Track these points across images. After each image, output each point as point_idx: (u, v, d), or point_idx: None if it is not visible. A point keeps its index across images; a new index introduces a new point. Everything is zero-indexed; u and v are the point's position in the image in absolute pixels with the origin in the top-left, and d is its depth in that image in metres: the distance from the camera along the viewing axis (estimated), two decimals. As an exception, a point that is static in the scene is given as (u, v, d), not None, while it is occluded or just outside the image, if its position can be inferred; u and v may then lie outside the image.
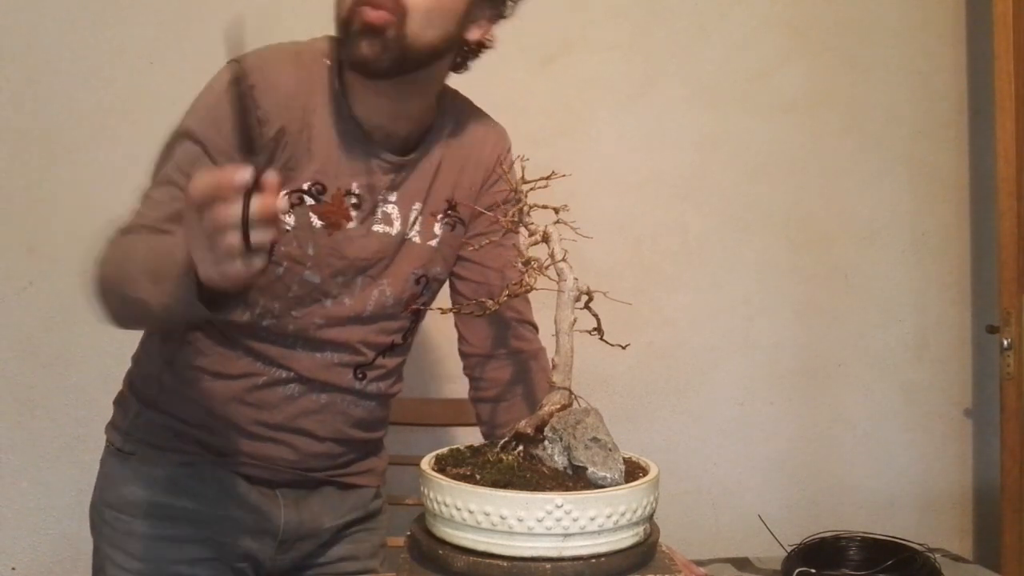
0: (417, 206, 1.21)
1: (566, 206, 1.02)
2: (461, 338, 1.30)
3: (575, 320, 0.98)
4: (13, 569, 1.95)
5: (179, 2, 1.97)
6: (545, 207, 1.03)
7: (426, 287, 1.26)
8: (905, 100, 2.29)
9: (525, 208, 1.01)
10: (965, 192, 2.33)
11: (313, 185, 1.13)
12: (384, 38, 1.06)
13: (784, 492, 2.27)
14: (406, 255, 1.22)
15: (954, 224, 2.33)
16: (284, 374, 1.20)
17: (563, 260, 0.99)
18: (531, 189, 1.02)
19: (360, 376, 1.25)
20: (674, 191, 2.20)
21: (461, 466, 0.93)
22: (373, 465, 1.36)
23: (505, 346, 1.27)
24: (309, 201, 1.13)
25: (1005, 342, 2.05)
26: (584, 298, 0.99)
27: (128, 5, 1.94)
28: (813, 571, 1.41)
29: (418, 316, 1.29)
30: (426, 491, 0.91)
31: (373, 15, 1.05)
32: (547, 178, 1.01)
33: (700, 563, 1.38)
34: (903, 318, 2.31)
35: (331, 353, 1.21)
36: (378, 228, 1.19)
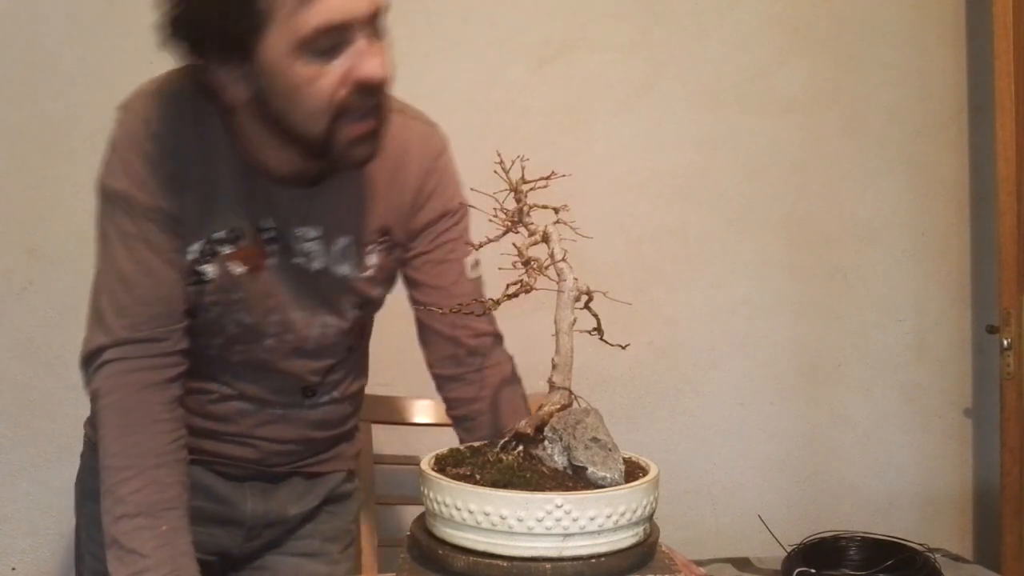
0: (343, 240, 1.16)
1: (566, 206, 1.02)
2: (426, 359, 1.27)
3: (575, 320, 0.98)
4: (13, 569, 1.95)
5: (179, 2, 1.96)
6: (545, 207, 1.02)
7: (369, 308, 1.25)
8: (905, 100, 2.29)
9: (525, 208, 1.01)
10: (965, 192, 2.33)
11: (229, 232, 1.11)
12: (376, 136, 1.05)
13: (784, 492, 2.27)
14: (342, 289, 1.19)
15: (954, 224, 2.33)
16: (234, 393, 1.22)
17: (563, 260, 0.99)
18: (531, 189, 1.02)
19: (309, 394, 1.25)
20: (674, 191, 2.20)
21: (461, 466, 0.93)
22: (341, 451, 1.37)
23: (464, 365, 1.23)
24: (225, 249, 1.11)
25: (1005, 342, 2.05)
26: (584, 298, 0.98)
27: (128, 5, 1.94)
28: (813, 571, 1.41)
29: (363, 331, 1.29)
30: (426, 491, 0.91)
31: (366, 127, 1.03)
32: (547, 178, 1.01)
33: (700, 563, 1.38)
34: (903, 318, 2.31)
35: (278, 379, 1.22)
36: (299, 261, 1.15)
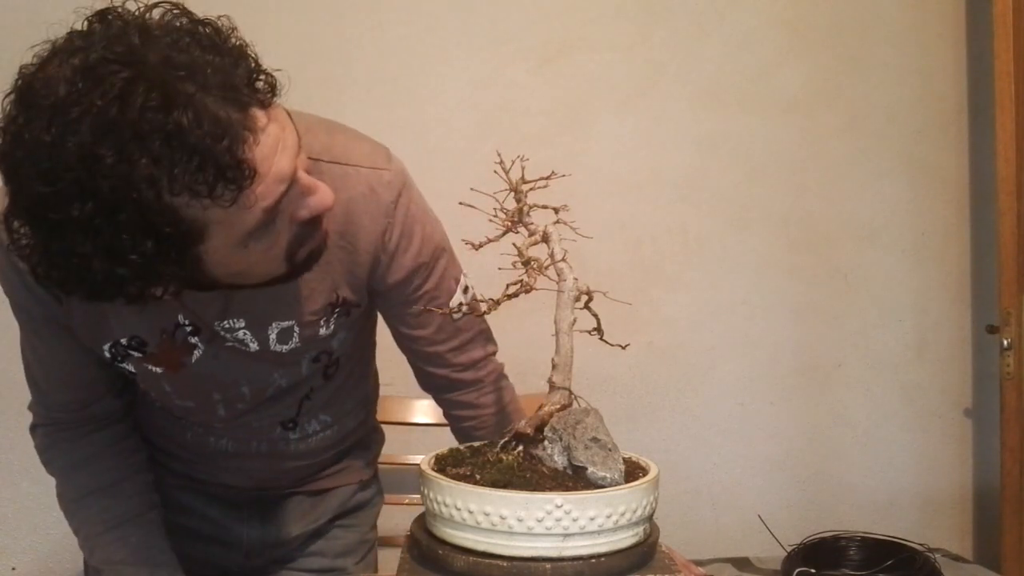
0: (280, 325, 1.03)
1: (566, 206, 1.02)
2: (417, 378, 1.22)
3: (575, 320, 0.98)
4: (13, 569, 1.95)
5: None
6: (545, 207, 1.02)
7: (330, 356, 1.12)
8: (905, 100, 2.29)
9: (525, 208, 1.01)
10: (965, 192, 2.33)
11: (131, 339, 1.01)
12: (324, 244, 0.93)
13: (784, 492, 2.27)
14: (291, 355, 1.07)
15: (954, 224, 2.33)
16: (211, 437, 1.17)
17: (563, 260, 0.98)
18: (531, 189, 1.01)
19: (290, 427, 1.17)
20: (674, 191, 2.20)
21: (461, 466, 0.93)
22: (351, 463, 1.30)
23: (456, 389, 1.18)
24: (134, 353, 1.02)
25: (1005, 342, 2.05)
26: (584, 298, 0.98)
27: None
28: (813, 571, 1.41)
29: (338, 364, 1.15)
30: (426, 491, 0.91)
31: (319, 235, 0.91)
32: (547, 178, 1.01)
33: (700, 563, 1.38)
34: (903, 318, 2.31)
35: (249, 427, 1.15)
36: (232, 345, 1.03)
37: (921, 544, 1.47)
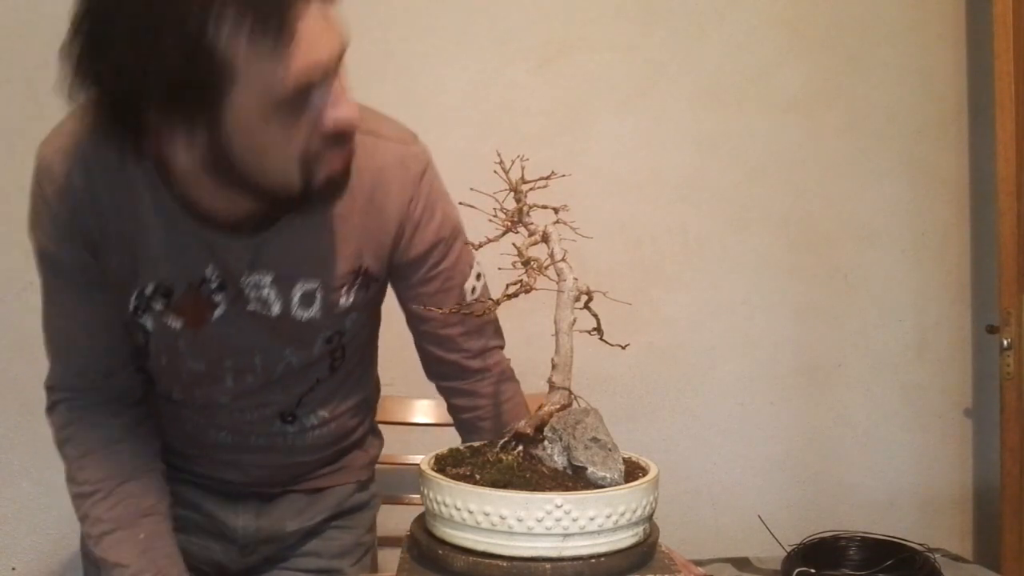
0: (307, 286, 1.06)
1: (566, 206, 1.02)
2: (425, 370, 1.23)
3: (575, 320, 0.98)
4: (13, 569, 1.95)
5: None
6: (545, 207, 1.02)
7: (341, 338, 1.14)
8: (905, 100, 2.29)
9: (525, 208, 1.01)
10: (965, 192, 2.33)
11: (157, 287, 1.02)
12: (346, 174, 0.96)
13: (784, 492, 2.27)
14: (308, 326, 1.09)
15: (954, 224, 2.33)
16: (210, 425, 1.17)
17: (563, 260, 0.98)
18: (531, 189, 1.01)
19: (288, 419, 1.18)
20: (674, 191, 2.20)
21: (461, 466, 0.93)
22: (348, 463, 1.30)
23: (463, 378, 1.19)
24: (157, 304, 1.03)
25: (1005, 342, 2.05)
26: (584, 298, 0.98)
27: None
28: (813, 571, 1.41)
29: (344, 352, 1.17)
30: (426, 491, 0.91)
31: (341, 162, 0.93)
32: (547, 178, 1.01)
33: (700, 563, 1.38)
34: (903, 318, 2.31)
35: (249, 412, 1.16)
36: (253, 308, 1.05)
37: (921, 544, 1.47)
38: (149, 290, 1.03)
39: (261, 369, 1.11)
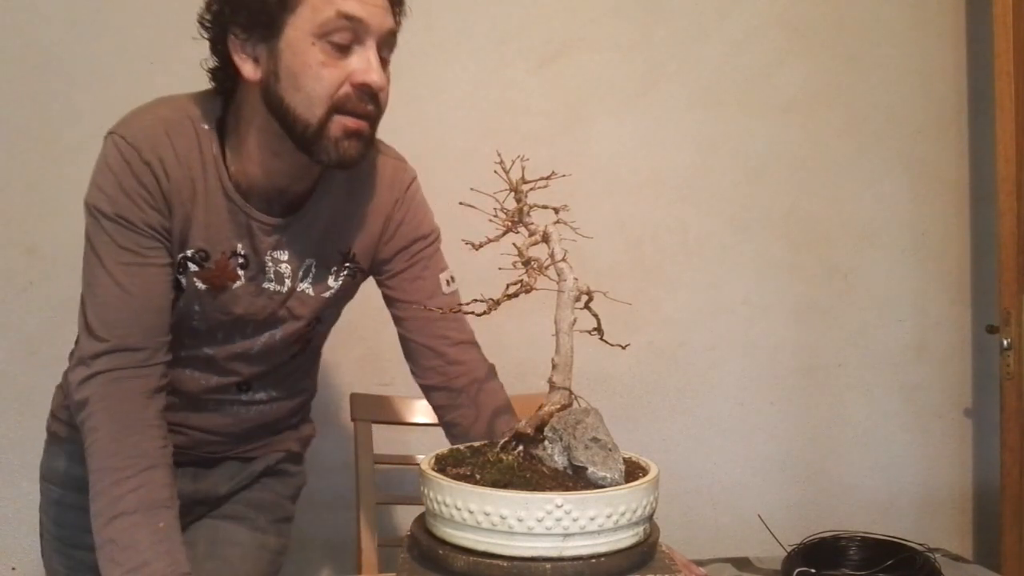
0: (309, 261, 1.24)
1: (566, 206, 1.02)
2: (412, 371, 1.33)
3: (575, 320, 0.98)
4: (13, 569, 1.95)
5: (179, 2, 1.96)
6: (545, 207, 1.02)
7: (318, 324, 1.31)
8: (905, 100, 2.29)
9: (525, 208, 1.01)
10: (965, 192, 2.33)
11: (197, 252, 1.18)
12: (366, 138, 1.12)
13: (784, 492, 2.27)
14: (297, 306, 1.26)
15: (954, 224, 2.33)
16: (168, 385, 1.21)
17: (563, 260, 0.99)
18: (531, 189, 1.02)
19: (244, 388, 1.32)
20: (674, 191, 2.20)
21: (461, 466, 0.93)
22: (283, 438, 1.42)
23: (446, 374, 1.29)
24: (193, 267, 1.18)
25: (1005, 342, 2.05)
26: (584, 298, 0.98)
27: (128, 5, 1.94)
28: (813, 571, 1.41)
29: (309, 342, 1.34)
30: (426, 491, 0.91)
31: (358, 124, 1.10)
32: (547, 178, 1.01)
33: (700, 563, 1.38)
34: (903, 318, 2.31)
35: (215, 377, 1.28)
36: (269, 286, 1.23)
37: (921, 544, 1.47)
38: (190, 252, 1.17)
39: (250, 335, 1.25)
